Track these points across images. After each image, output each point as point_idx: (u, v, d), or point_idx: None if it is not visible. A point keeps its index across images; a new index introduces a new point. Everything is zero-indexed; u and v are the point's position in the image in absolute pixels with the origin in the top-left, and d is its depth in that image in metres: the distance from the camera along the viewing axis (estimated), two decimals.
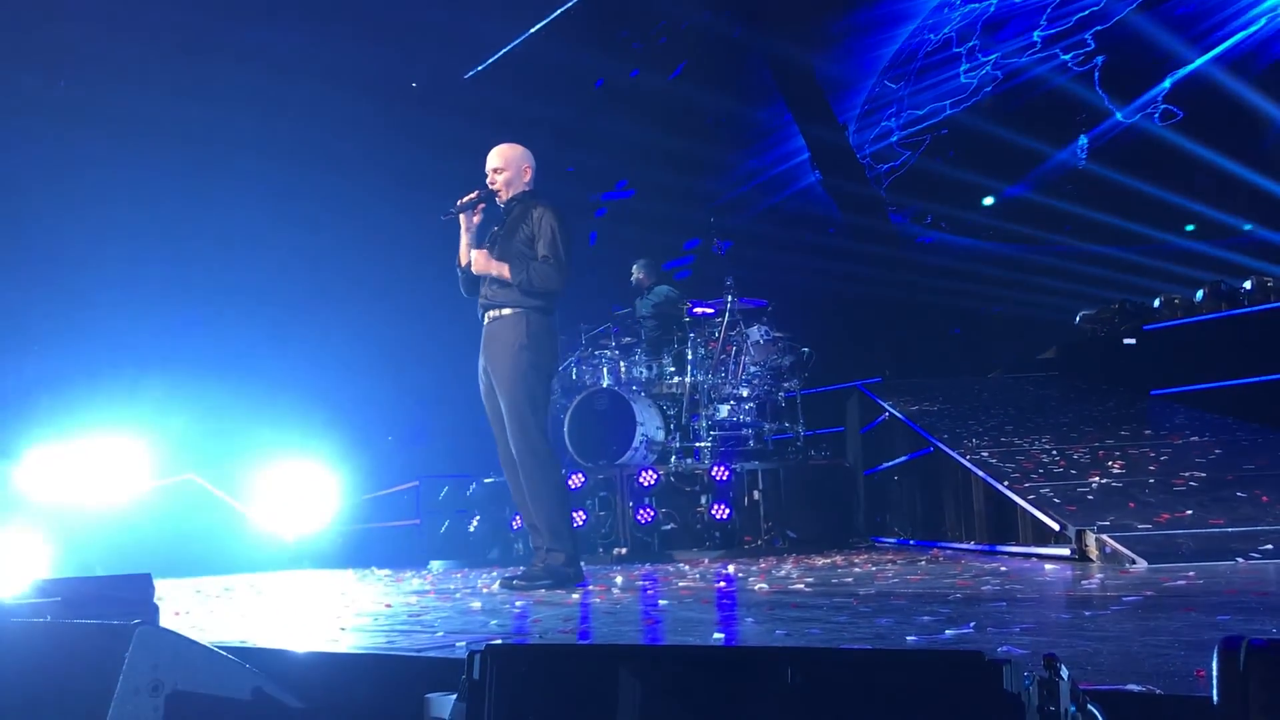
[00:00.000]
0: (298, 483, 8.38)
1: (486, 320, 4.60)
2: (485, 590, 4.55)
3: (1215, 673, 1.21)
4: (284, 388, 8.38)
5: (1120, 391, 7.94)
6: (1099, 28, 11.71)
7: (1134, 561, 4.05)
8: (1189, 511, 4.63)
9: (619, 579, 4.94)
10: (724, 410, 7.68)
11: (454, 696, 1.70)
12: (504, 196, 4.68)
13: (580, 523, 6.74)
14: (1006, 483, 5.28)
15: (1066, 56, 11.92)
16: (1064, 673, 1.28)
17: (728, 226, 12.00)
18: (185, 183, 8.56)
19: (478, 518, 7.60)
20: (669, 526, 6.89)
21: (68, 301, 8.20)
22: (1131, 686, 1.59)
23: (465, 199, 4.68)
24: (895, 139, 13.22)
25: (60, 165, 8.15)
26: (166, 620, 2.97)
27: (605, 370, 7.65)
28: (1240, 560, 3.91)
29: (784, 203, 13.75)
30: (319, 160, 9.18)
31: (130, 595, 2.79)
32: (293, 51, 9.16)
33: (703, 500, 6.96)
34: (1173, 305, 8.38)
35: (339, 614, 3.71)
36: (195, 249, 8.52)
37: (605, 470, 7.06)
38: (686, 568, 5.71)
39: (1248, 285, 7.91)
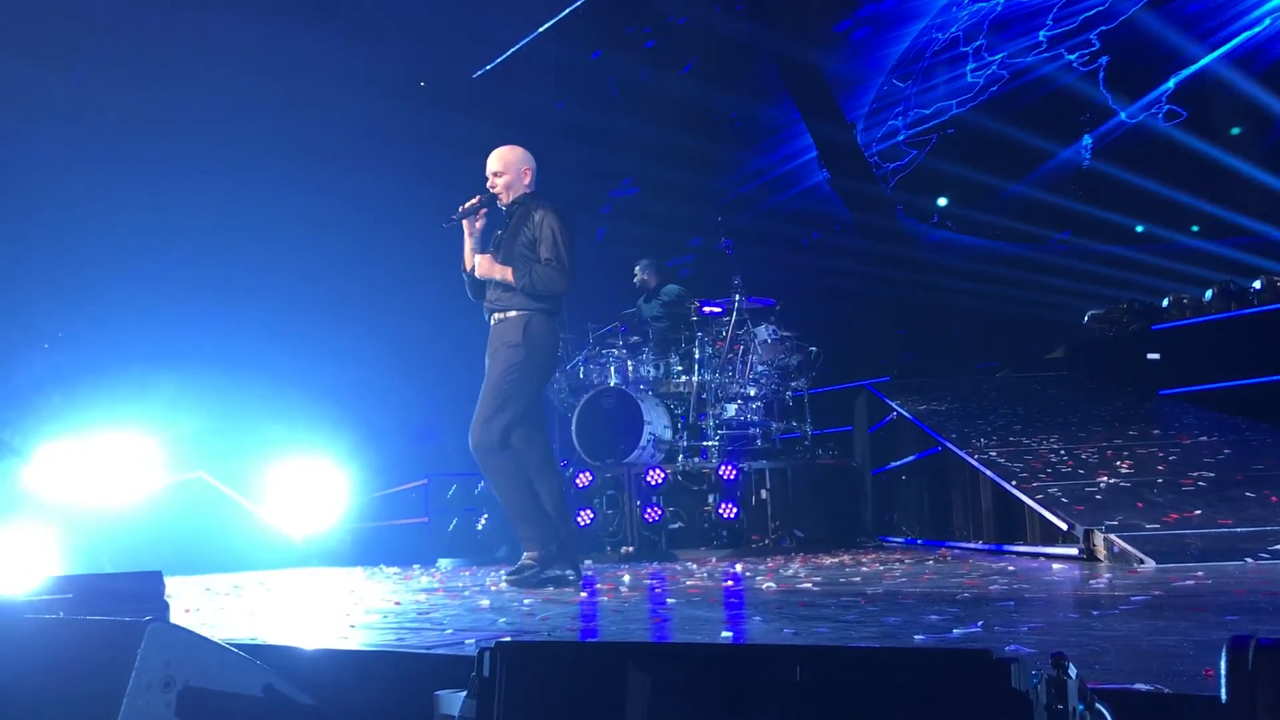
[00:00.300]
0: (307, 480, 8.39)
1: (493, 322, 4.63)
2: (493, 588, 4.57)
3: (1223, 672, 1.21)
4: (293, 385, 8.40)
5: (1129, 391, 7.92)
6: (1104, 28, 11.69)
7: (1142, 561, 4.05)
8: (1197, 511, 4.62)
9: (626, 577, 4.96)
10: (731, 409, 7.68)
11: (464, 693, 1.71)
12: (505, 200, 4.68)
13: (588, 521, 6.76)
14: (1014, 482, 5.28)
15: (1072, 56, 11.89)
16: (1072, 671, 1.28)
17: (734, 225, 11.99)
18: (195, 180, 8.59)
19: (486, 516, 7.60)
20: (676, 525, 6.90)
21: (78, 299, 8.24)
22: (1139, 685, 1.59)
23: (466, 205, 4.67)
24: (902, 138, 13.20)
25: (70, 162, 8.18)
26: (177, 617, 2.99)
27: (613, 369, 7.65)
28: (1249, 560, 3.90)
29: (791, 201, 13.73)
30: (329, 158, 9.20)
31: (141, 592, 2.81)
32: (302, 50, 9.18)
33: (710, 499, 6.95)
34: (1182, 305, 8.37)
35: (349, 611, 3.72)
36: (206, 246, 8.54)
37: (613, 469, 7.07)
38: (694, 566, 5.72)
39: (1257, 285, 7.89)
